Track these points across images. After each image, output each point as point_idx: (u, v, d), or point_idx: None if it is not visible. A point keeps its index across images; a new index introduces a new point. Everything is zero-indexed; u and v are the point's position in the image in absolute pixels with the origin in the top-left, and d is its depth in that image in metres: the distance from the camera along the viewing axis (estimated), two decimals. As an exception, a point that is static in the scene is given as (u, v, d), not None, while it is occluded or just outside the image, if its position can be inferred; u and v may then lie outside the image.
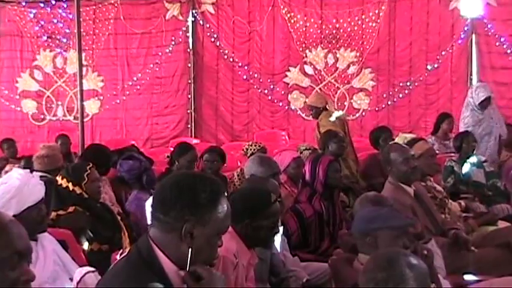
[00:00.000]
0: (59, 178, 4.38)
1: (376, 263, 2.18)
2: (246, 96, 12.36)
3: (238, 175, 5.98)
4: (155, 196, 2.08)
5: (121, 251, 3.82)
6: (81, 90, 7.80)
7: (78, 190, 4.32)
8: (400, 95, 12.04)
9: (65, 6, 11.89)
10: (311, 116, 7.61)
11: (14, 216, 2.34)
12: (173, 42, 12.17)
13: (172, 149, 6.53)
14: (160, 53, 12.22)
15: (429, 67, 11.98)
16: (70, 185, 4.31)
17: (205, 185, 2.05)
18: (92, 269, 3.09)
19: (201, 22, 12.19)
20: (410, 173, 4.47)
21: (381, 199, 3.83)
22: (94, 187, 4.42)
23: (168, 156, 6.01)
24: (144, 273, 2.01)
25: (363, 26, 12.02)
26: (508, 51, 11.39)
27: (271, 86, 12.25)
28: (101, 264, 3.06)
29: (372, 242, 3.08)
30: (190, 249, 2.02)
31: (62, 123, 12.41)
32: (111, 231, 4.31)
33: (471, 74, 12.03)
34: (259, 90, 12.20)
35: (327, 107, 7.44)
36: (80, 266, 3.34)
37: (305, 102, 12.17)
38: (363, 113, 12.20)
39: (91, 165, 4.48)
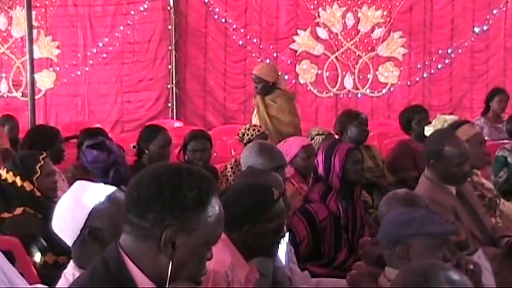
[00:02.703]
0: (3, 172, 4.38)
1: (408, 280, 2.18)
2: (243, 67, 12.35)
3: (232, 167, 5.98)
4: (128, 194, 2.07)
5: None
6: (31, 59, 7.79)
7: (28, 186, 4.31)
8: (439, 66, 12.03)
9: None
10: (256, 90, 7.62)
11: None
12: (149, -2, 12.17)
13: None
14: (132, 12, 12.19)
15: (476, 30, 11.96)
16: (18, 180, 4.31)
17: (192, 181, 2.04)
18: (45, 287, 3.09)
19: (184, -28, 12.17)
20: (460, 178, 4.50)
21: (414, 198, 3.83)
22: (49, 182, 4.41)
23: (134, 147, 6.02)
24: (112, 291, 2.01)
25: (392, -24, 12.01)
26: None
27: (275, 54, 12.24)
28: (56, 281, 3.06)
29: (402, 252, 3.08)
30: (171, 263, 2.02)
31: (6, 101, 12.41)
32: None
33: (530, 38, 12.03)
34: (259, 60, 12.18)
35: (276, 83, 7.51)
36: (30, 283, 3.34)
37: (317, 74, 12.19)
38: (391, 89, 12.19)
39: (44, 154, 4.48)
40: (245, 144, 5.97)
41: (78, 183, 2.86)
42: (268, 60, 12.13)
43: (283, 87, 7.70)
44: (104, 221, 2.68)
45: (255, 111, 7.56)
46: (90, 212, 2.69)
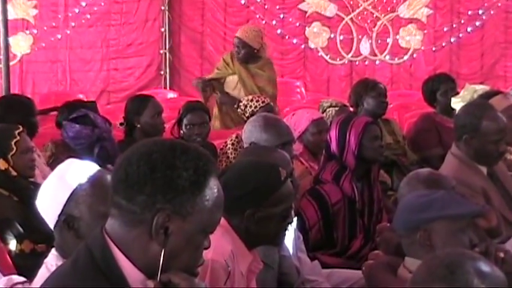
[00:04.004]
0: (-28, 149, 4.38)
1: (431, 271, 2.18)
2: (245, 30, 12.32)
3: (232, 144, 5.98)
4: (116, 173, 2.07)
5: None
6: (5, 21, 7.76)
7: (2, 165, 4.32)
8: (469, 29, 12.00)
9: None
10: (235, 56, 7.51)
11: None
12: (139, -50, 12.14)
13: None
14: (119, -33, 12.17)
15: (511, -13, 11.91)
16: (-10, 158, 4.33)
17: (188, 160, 2.04)
18: (22, 279, 3.10)
19: None
20: (494, 157, 4.51)
21: (439, 179, 3.83)
22: (26, 160, 4.41)
23: (121, 124, 6.02)
24: (97, 283, 2.01)
25: None
26: None
27: (281, 16, 12.20)
28: (34, 272, 3.07)
29: (423, 239, 3.09)
30: (163, 251, 2.02)
31: (-23, 69, 12.39)
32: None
33: None
34: (264, 22, 12.16)
35: (260, 51, 7.47)
36: (5, 275, 3.35)
37: (329, 38, 12.16)
38: (414, 55, 12.17)
39: (21, 128, 4.47)
40: (247, 118, 5.96)
41: (69, 160, 2.87)
42: (274, 22, 12.10)
43: (267, 55, 7.70)
44: (81, 209, 2.69)
45: (225, 78, 7.49)
46: (69, 197, 2.70)
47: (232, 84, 7.52)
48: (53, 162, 5.57)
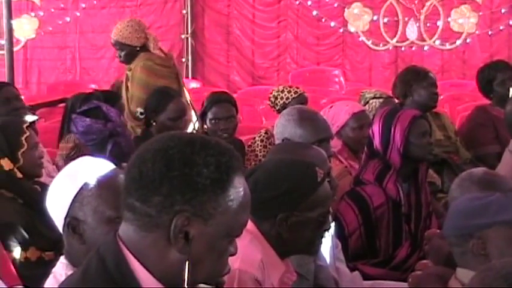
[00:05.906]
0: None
1: (487, 283, 2.18)
2: (276, 12, 12.34)
3: (262, 140, 5.99)
4: (128, 172, 2.08)
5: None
6: (8, 2, 7.82)
7: (7, 165, 4.31)
8: (530, 10, 11.95)
9: None
10: (120, 59, 7.07)
11: None
12: None
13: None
14: None
15: None
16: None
17: (208, 155, 2.04)
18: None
19: None
20: None
21: (495, 179, 3.81)
22: (35, 157, 4.41)
23: (142, 113, 6.02)
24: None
25: None
26: None
27: (318, -5, 12.22)
28: (41, 282, 3.10)
29: (477, 248, 3.08)
30: (187, 261, 2.02)
31: (-23, 56, 12.49)
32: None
33: None
34: (298, 2, 12.17)
35: (146, 46, 6.99)
36: (8, 286, 3.37)
37: (371, 20, 12.14)
38: (467, 40, 12.11)
39: (28, 122, 4.47)
40: (279, 111, 5.97)
41: (82, 158, 2.89)
42: (309, 3, 12.09)
43: (155, 50, 7.09)
44: (86, 211, 2.70)
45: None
46: (74, 198, 2.71)
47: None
48: (74, 155, 5.57)
